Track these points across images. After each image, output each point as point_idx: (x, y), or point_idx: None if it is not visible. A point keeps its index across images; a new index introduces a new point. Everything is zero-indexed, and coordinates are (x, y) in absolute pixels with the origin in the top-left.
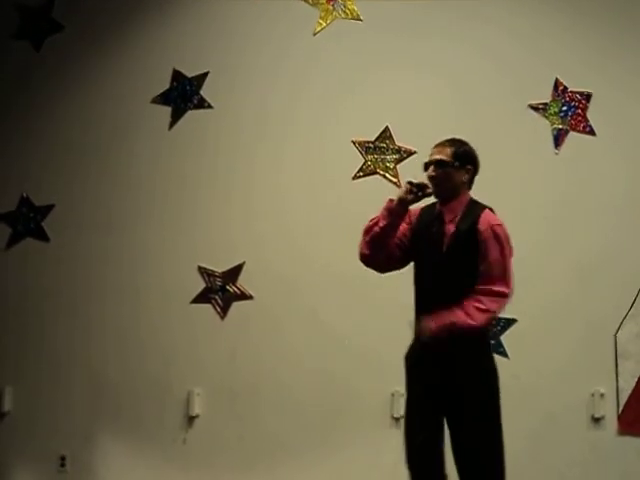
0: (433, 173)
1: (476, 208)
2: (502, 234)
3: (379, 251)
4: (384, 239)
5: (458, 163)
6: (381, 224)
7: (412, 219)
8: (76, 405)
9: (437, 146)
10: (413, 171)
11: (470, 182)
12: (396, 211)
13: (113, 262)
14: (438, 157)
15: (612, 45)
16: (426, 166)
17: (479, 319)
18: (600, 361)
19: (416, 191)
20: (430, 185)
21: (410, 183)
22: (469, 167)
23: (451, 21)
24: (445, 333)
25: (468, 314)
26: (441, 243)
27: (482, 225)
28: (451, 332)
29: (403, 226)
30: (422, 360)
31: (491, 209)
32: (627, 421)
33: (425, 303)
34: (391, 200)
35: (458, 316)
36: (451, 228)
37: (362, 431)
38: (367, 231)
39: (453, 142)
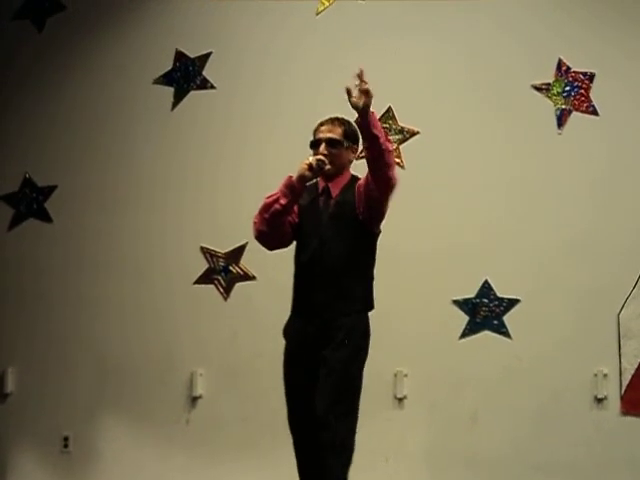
0: (325, 151)
1: (357, 181)
2: None
3: (276, 228)
4: (283, 216)
5: (348, 143)
6: (283, 201)
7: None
8: (79, 385)
9: (325, 124)
10: (416, 151)
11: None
12: (297, 188)
13: (116, 243)
14: (330, 135)
15: (616, 25)
16: (316, 143)
17: (391, 148)
18: (603, 341)
19: (316, 168)
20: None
21: (315, 163)
22: (355, 147)
23: (454, 4)
24: (368, 118)
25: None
26: (326, 214)
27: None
28: (370, 125)
29: None
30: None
31: None
32: (630, 401)
33: (308, 276)
34: (290, 177)
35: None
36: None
37: (365, 412)
38: (266, 208)
39: (341, 121)
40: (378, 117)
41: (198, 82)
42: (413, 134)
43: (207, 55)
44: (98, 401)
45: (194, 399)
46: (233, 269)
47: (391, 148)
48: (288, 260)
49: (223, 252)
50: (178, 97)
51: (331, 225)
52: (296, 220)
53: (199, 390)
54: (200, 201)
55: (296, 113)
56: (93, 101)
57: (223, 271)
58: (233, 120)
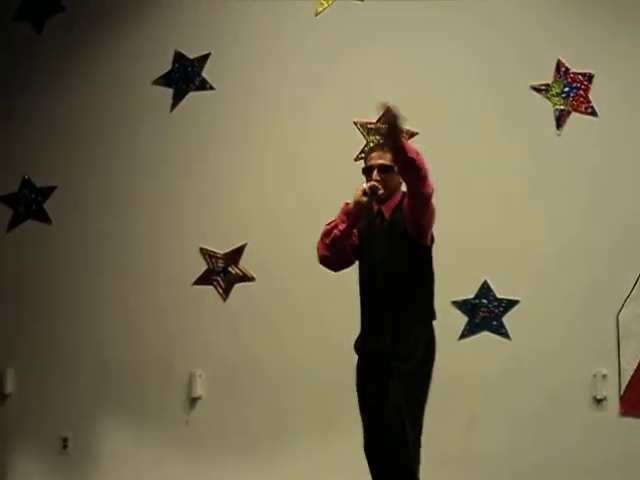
0: (378, 177)
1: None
2: None
3: (338, 252)
4: (343, 241)
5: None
6: (341, 227)
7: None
8: (78, 387)
9: (375, 151)
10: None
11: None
12: (354, 213)
13: (115, 244)
14: (381, 162)
15: (614, 26)
16: (368, 170)
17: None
18: (602, 342)
19: (370, 194)
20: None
21: (368, 189)
22: None
23: (453, 6)
24: (404, 148)
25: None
26: (381, 235)
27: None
28: (405, 154)
29: None
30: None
31: None
32: (629, 402)
33: (370, 294)
34: (347, 204)
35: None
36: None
37: None
38: (327, 234)
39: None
40: (376, 118)
41: (197, 83)
42: (412, 135)
43: (206, 56)
44: (97, 402)
45: (193, 400)
46: (232, 270)
47: (424, 165)
48: (286, 261)
49: (222, 253)
50: (177, 98)
51: (386, 245)
52: (357, 242)
53: (198, 391)
54: (199, 202)
55: (295, 113)
56: (92, 101)
57: (222, 272)
58: (232, 121)
